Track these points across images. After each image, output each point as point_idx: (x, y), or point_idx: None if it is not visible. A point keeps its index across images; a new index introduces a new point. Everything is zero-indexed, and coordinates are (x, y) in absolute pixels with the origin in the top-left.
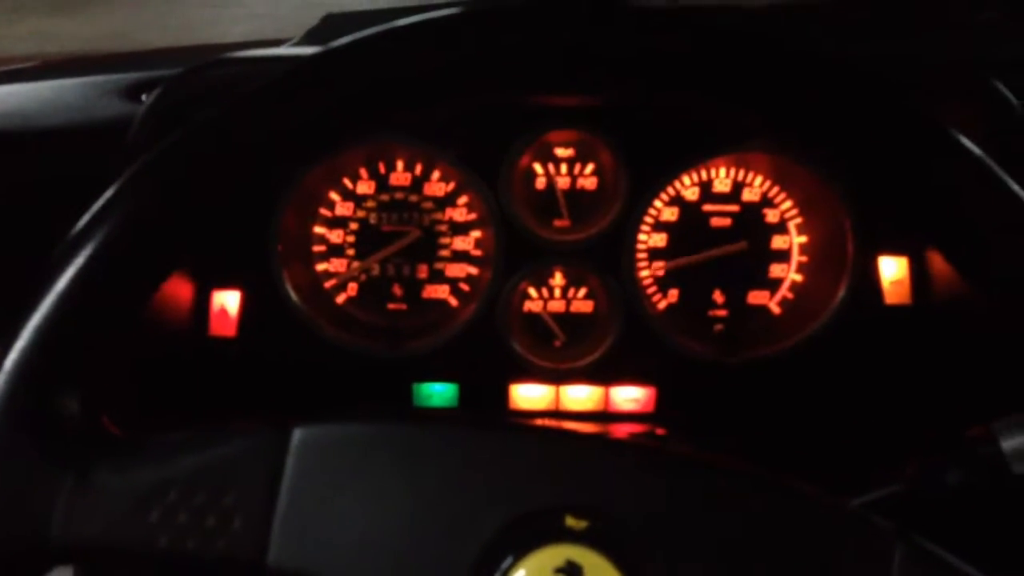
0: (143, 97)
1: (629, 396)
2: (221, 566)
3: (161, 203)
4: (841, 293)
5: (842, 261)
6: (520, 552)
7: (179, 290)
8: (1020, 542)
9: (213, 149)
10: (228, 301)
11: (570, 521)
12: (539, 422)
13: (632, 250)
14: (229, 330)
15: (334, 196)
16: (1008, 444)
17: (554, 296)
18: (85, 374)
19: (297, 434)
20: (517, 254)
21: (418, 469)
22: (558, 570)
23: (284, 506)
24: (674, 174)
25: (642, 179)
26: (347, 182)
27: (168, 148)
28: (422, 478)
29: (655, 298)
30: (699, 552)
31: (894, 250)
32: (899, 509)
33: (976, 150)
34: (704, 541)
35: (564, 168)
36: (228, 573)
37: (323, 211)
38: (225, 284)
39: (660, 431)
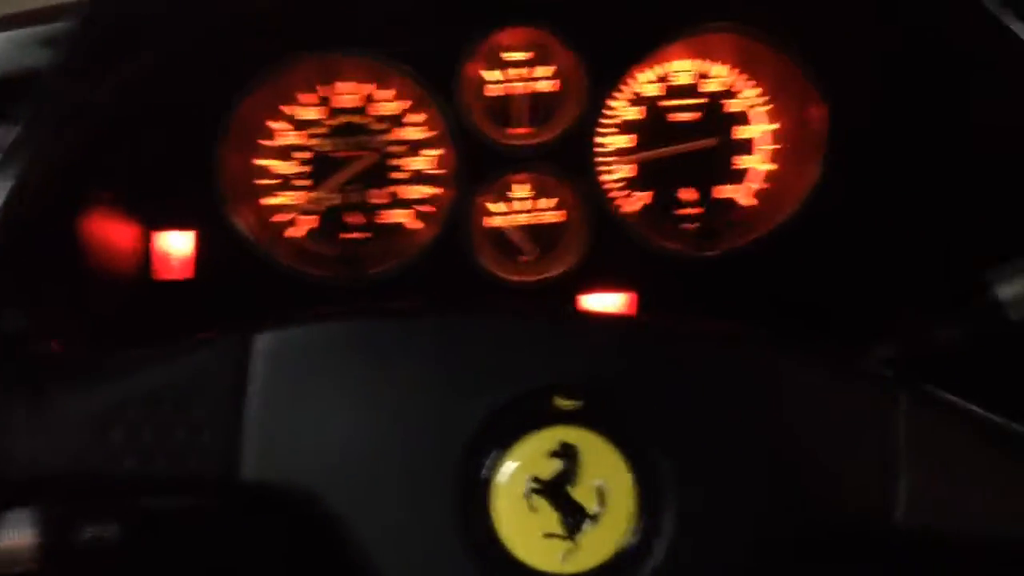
0: None
1: (608, 304)
2: (195, 488)
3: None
4: (815, 177)
5: (816, 145)
6: (508, 442)
7: (124, 235)
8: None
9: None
10: (174, 243)
11: (559, 402)
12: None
13: (593, 150)
14: (181, 272)
15: (276, 125)
16: (1005, 291)
17: (522, 209)
18: (26, 293)
19: (259, 340)
20: (478, 168)
21: (388, 365)
22: (553, 454)
23: (253, 415)
24: (634, 62)
25: (601, 75)
26: (290, 109)
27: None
28: (393, 374)
29: (625, 200)
30: (699, 418)
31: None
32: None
33: None
34: (703, 406)
35: (521, 72)
36: (204, 496)
37: (264, 142)
38: (173, 225)
39: None
